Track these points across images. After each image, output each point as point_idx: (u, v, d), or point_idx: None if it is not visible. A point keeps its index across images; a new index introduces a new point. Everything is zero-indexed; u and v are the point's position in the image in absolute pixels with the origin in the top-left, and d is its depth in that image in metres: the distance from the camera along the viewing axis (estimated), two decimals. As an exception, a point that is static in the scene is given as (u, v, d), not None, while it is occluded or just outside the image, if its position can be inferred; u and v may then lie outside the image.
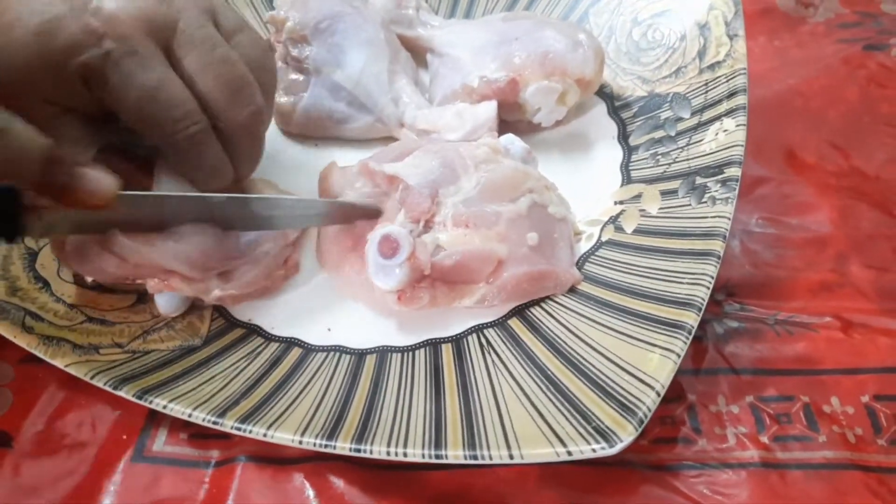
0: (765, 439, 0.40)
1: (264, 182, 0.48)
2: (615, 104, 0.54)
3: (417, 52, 0.59)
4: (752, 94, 0.48)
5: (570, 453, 0.33)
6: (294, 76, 0.55)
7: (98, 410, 0.43)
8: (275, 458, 0.41)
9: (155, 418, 0.43)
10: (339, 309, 0.46)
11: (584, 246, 0.47)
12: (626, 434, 0.33)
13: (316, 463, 0.40)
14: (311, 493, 0.40)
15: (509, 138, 0.48)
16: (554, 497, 0.39)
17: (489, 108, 0.50)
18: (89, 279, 0.43)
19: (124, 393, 0.39)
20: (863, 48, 0.61)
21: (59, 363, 0.40)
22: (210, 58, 0.39)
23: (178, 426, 0.43)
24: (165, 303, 0.43)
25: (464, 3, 0.62)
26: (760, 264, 0.48)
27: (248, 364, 0.42)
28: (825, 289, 0.46)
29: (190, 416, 0.38)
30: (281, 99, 0.55)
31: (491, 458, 0.34)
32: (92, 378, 0.39)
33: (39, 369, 0.45)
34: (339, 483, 0.40)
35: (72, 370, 0.40)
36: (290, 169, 0.53)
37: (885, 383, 0.41)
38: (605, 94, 0.55)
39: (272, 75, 0.44)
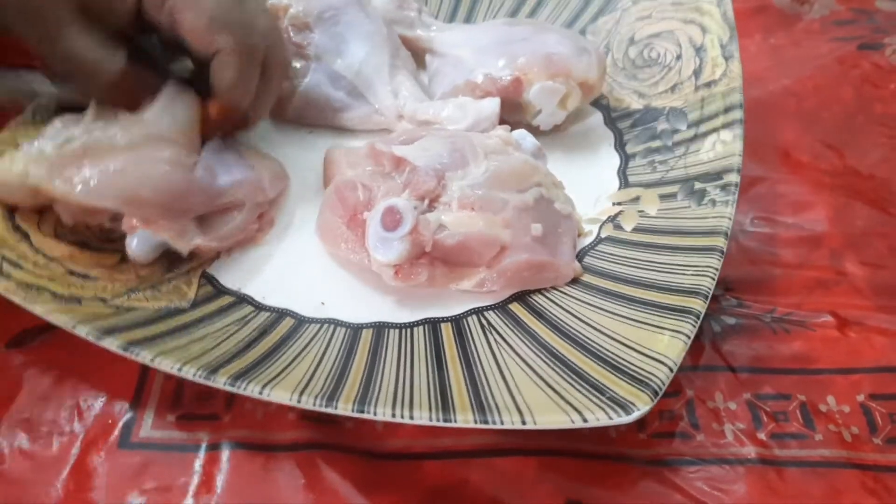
0: (762, 436, 0.40)
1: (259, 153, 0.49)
2: (612, 115, 0.55)
3: (416, 54, 0.59)
4: (747, 94, 0.49)
5: (585, 420, 0.32)
6: (294, 62, 0.54)
7: (83, 396, 0.41)
8: (265, 445, 0.39)
9: (140, 401, 0.41)
10: (333, 283, 0.44)
11: (582, 242, 0.46)
12: (643, 403, 0.33)
13: (307, 451, 0.39)
14: (302, 481, 0.38)
15: (521, 133, 0.48)
16: (551, 490, 0.38)
17: (493, 104, 0.50)
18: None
19: (108, 344, 0.36)
20: (857, 48, 0.62)
21: (38, 310, 0.37)
22: None
23: (165, 408, 0.40)
24: (137, 244, 0.41)
25: (463, 11, 0.63)
26: (757, 261, 0.48)
27: (239, 329, 0.40)
28: (821, 285, 0.46)
29: (180, 370, 0.35)
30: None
31: (502, 424, 0.33)
32: (74, 327, 0.37)
33: (22, 355, 0.42)
34: (331, 472, 0.38)
35: (52, 318, 0.37)
36: (281, 156, 0.52)
37: (880, 382, 0.42)
38: (601, 105, 0.56)
39: None
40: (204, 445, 0.39)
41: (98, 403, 0.41)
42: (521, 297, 0.43)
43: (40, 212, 0.43)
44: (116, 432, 0.39)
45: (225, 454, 0.39)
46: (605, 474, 0.38)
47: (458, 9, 0.63)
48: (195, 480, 0.38)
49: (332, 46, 0.54)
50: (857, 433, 0.40)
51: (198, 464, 0.38)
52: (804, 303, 0.46)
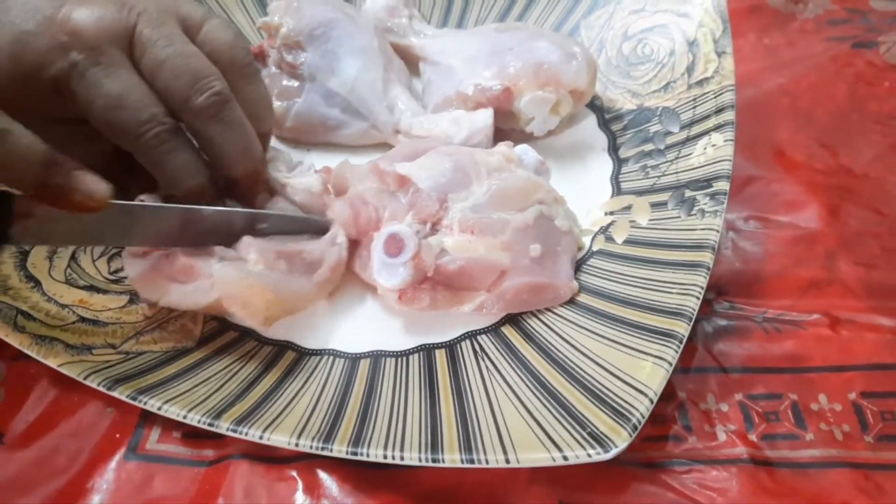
0: (753, 437, 0.40)
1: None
2: (605, 117, 0.55)
3: (410, 61, 0.59)
4: (741, 94, 0.49)
5: (566, 458, 0.34)
6: (288, 82, 0.55)
7: (91, 408, 0.43)
8: (267, 457, 0.41)
9: (149, 417, 0.43)
10: (334, 312, 0.46)
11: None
12: (621, 440, 0.34)
13: (308, 461, 0.40)
14: (303, 490, 0.40)
15: (523, 148, 0.48)
16: (545, 494, 0.39)
17: (486, 116, 0.51)
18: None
19: (118, 393, 0.38)
20: (851, 46, 0.62)
21: (52, 363, 0.40)
22: (164, 53, 0.39)
23: (172, 425, 0.42)
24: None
25: (455, 13, 0.63)
26: (750, 261, 0.48)
27: (242, 367, 0.42)
28: (814, 286, 0.46)
29: (185, 417, 0.38)
30: (274, 104, 0.55)
31: (487, 463, 0.34)
32: (86, 378, 0.39)
33: (32, 366, 0.45)
34: (331, 481, 0.40)
35: (65, 370, 0.39)
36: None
37: (872, 380, 0.42)
38: (595, 106, 0.56)
39: (245, 53, 0.43)
40: (208, 460, 0.41)
41: (106, 416, 0.43)
42: (514, 318, 0.44)
43: (50, 258, 0.45)
44: (123, 445, 0.42)
45: (228, 466, 0.40)
46: (597, 478, 0.39)
47: (451, 10, 0.63)
48: (198, 492, 0.40)
49: (325, 64, 0.54)
50: (848, 431, 0.40)
51: (201, 476, 0.40)
52: (796, 303, 0.46)
